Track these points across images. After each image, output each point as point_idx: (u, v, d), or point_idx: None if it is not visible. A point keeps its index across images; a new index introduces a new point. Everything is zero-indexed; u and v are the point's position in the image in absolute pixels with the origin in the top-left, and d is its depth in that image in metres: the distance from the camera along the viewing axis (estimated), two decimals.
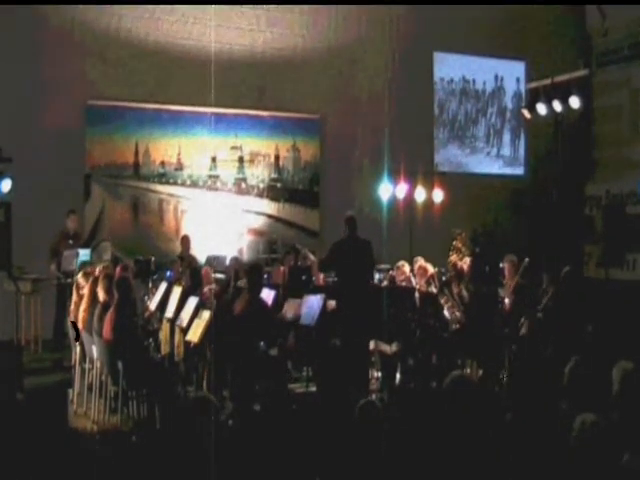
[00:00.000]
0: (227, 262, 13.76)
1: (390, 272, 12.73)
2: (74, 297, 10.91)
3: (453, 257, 13.33)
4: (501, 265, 11.85)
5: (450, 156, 19.36)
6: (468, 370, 11.05)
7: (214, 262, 13.75)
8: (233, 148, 16.80)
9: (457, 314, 11.46)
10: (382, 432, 5.53)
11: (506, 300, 11.53)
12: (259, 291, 10.02)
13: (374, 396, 10.45)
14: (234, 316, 9.65)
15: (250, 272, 10.12)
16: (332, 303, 11.16)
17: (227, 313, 10.06)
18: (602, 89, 19.31)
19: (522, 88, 19.65)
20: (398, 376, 11.14)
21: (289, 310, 10.63)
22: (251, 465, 6.90)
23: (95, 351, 9.80)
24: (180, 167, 16.38)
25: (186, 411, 5.21)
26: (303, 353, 10.85)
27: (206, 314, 9.66)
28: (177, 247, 14.99)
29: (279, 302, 11.02)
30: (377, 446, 5.45)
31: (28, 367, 11.12)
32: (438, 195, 16.23)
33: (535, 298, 11.36)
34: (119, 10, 15.65)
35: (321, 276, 12.43)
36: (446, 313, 11.48)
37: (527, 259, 11.64)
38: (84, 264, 12.10)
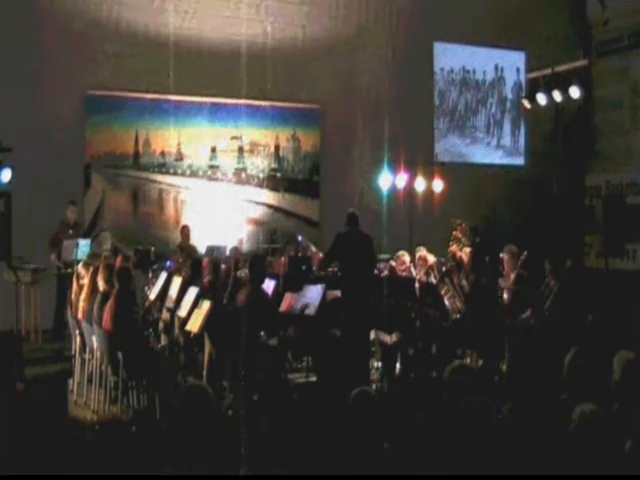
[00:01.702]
0: (227, 252, 13.79)
1: (390, 262, 12.74)
2: (74, 287, 10.93)
3: (453, 247, 13.32)
4: (501, 255, 11.86)
5: (450, 146, 19.35)
6: (468, 360, 11.07)
7: (214, 252, 13.76)
8: (233, 138, 16.78)
9: (458, 304, 11.47)
10: (378, 421, 5.53)
11: (505, 291, 11.54)
12: (261, 282, 10.00)
13: (374, 386, 10.47)
14: (236, 307, 9.65)
15: (252, 263, 10.08)
16: (333, 293, 11.20)
17: (228, 304, 10.08)
18: (602, 79, 19.30)
19: (522, 78, 19.63)
20: (398, 366, 11.16)
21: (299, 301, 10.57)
22: (251, 455, 6.92)
23: (95, 341, 9.82)
24: (180, 157, 16.36)
25: (182, 401, 5.21)
26: (303, 343, 10.87)
27: (206, 304, 9.67)
28: (177, 237, 15.01)
29: (279, 292, 11.03)
30: (374, 435, 5.45)
31: (28, 357, 11.10)
32: (438, 185, 16.24)
33: (536, 289, 11.36)
34: (119, 0, 15.63)
35: None
36: (447, 303, 11.50)
37: (525, 252, 11.62)
38: (91, 256, 12.10)
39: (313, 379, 10.72)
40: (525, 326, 10.83)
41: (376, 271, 12.17)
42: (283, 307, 10.47)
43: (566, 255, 12.44)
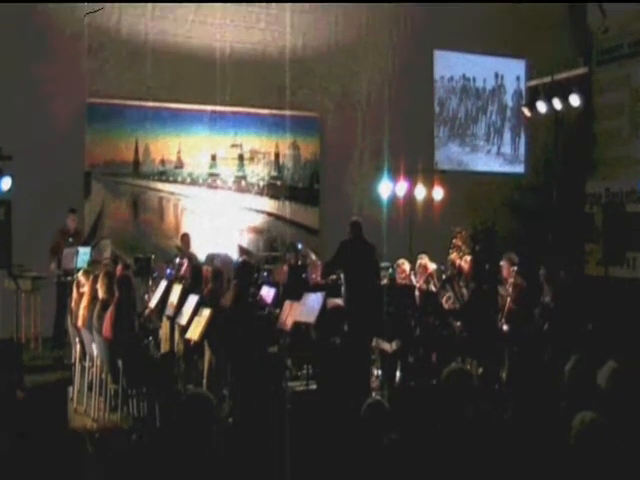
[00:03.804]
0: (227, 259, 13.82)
1: (390, 270, 12.73)
2: (74, 295, 10.92)
3: (453, 255, 13.32)
4: (501, 263, 11.86)
5: (450, 154, 19.37)
6: (468, 367, 11.05)
7: (215, 260, 13.76)
8: (233, 146, 16.80)
9: None
10: (387, 431, 5.53)
11: (507, 298, 11.52)
12: (246, 286, 10.09)
13: (374, 394, 10.46)
14: (224, 312, 9.69)
15: (238, 267, 10.25)
16: (333, 301, 11.22)
17: (221, 310, 10.09)
18: (602, 87, 19.33)
19: (522, 86, 19.69)
20: (398, 374, 11.15)
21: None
22: (251, 462, 6.91)
23: (95, 349, 9.81)
24: (180, 165, 16.38)
25: (183, 409, 5.20)
26: (303, 351, 10.87)
27: (206, 312, 9.66)
28: (177, 244, 14.97)
29: (280, 300, 11.04)
30: (381, 444, 5.45)
31: (28, 365, 11.11)
32: (438, 193, 16.24)
33: (534, 297, 11.38)
34: (119, 8, 15.65)
35: (319, 273, 12.41)
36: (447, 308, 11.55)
37: (516, 267, 11.58)
38: (91, 263, 12.15)
39: (313, 387, 10.70)
40: (525, 334, 10.85)
41: None
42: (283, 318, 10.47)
43: (561, 265, 12.44)
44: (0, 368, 9.48)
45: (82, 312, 10.31)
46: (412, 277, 12.25)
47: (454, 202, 16.65)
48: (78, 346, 10.64)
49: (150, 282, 13.61)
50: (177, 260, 13.35)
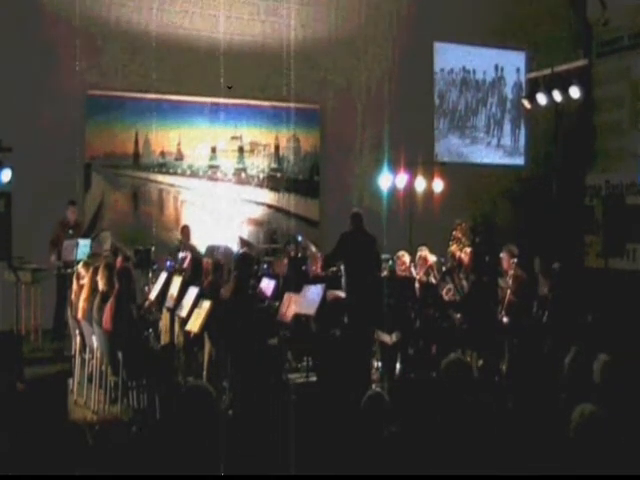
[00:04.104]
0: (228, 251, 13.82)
1: (390, 262, 12.73)
2: (74, 287, 10.92)
3: (453, 247, 13.32)
4: (501, 255, 11.85)
5: (450, 146, 19.35)
6: (468, 359, 11.05)
7: (215, 252, 13.76)
8: (233, 138, 16.79)
9: None
10: (387, 423, 5.53)
11: (507, 290, 11.53)
12: (246, 278, 10.10)
13: (374, 386, 10.46)
14: (224, 304, 9.70)
15: (239, 259, 10.26)
16: (333, 293, 11.22)
17: (220, 302, 10.10)
18: (602, 79, 19.32)
19: (522, 78, 19.66)
20: (398, 366, 11.15)
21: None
22: (251, 455, 6.92)
23: (95, 341, 9.82)
24: (180, 157, 16.37)
25: (183, 401, 5.21)
26: (303, 343, 10.87)
27: (206, 304, 9.66)
28: (177, 237, 14.98)
29: (280, 292, 11.04)
30: (381, 436, 5.45)
31: (28, 357, 11.11)
32: (438, 185, 16.24)
33: (534, 289, 11.39)
34: (120, 0, 15.62)
35: (319, 265, 12.41)
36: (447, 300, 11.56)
37: (516, 259, 11.57)
38: (91, 255, 12.17)
39: (313, 379, 10.71)
40: (525, 326, 10.85)
41: None
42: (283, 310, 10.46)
43: (555, 256, 12.46)
44: (0, 360, 9.48)
45: (82, 304, 10.32)
46: (412, 269, 12.24)
47: (454, 194, 16.64)
48: (78, 338, 10.65)
49: (150, 274, 13.62)
50: (181, 254, 13.33)
